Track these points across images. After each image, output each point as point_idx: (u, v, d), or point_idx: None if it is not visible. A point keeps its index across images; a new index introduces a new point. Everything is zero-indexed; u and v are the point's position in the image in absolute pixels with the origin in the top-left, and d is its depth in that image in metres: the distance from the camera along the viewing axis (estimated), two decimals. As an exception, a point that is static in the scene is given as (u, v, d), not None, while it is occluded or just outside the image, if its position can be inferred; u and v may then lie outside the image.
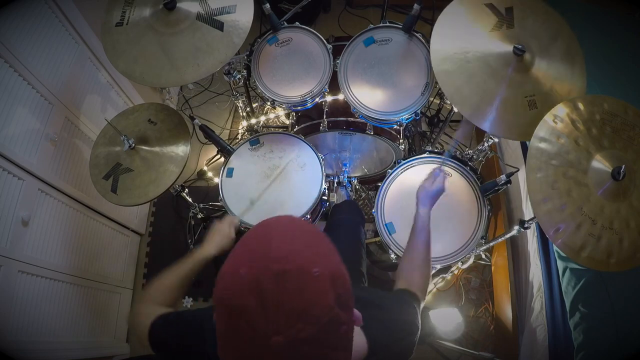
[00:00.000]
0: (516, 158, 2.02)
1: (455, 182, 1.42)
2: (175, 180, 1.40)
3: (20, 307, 1.40)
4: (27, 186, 1.45)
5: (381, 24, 1.54)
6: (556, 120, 1.15)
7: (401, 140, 1.68)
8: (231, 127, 2.59)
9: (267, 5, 1.51)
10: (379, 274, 2.03)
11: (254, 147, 1.54)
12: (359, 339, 0.69)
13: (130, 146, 1.39)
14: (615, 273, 1.08)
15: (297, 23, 1.61)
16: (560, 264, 1.56)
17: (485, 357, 1.88)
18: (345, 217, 1.56)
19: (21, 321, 1.40)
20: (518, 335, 1.82)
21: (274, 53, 1.58)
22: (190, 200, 1.95)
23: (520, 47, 1.21)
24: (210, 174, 2.41)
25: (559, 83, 1.25)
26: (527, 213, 1.84)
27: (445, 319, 1.97)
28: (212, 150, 2.48)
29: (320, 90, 1.51)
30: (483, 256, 2.09)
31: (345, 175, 1.98)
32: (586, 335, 1.41)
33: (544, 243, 1.71)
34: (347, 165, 1.99)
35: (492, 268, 2.11)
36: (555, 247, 1.62)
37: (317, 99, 1.55)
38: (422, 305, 0.92)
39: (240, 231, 1.28)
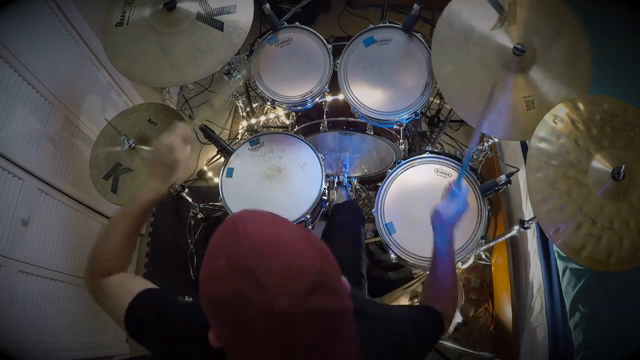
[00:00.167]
0: (516, 158, 2.02)
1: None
2: (175, 181, 1.40)
3: (20, 307, 1.40)
4: (27, 186, 1.45)
5: (381, 24, 1.54)
6: (556, 120, 1.15)
7: (401, 140, 1.68)
8: (231, 127, 2.59)
9: (267, 5, 1.51)
10: (379, 274, 2.03)
11: (254, 147, 1.54)
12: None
13: (130, 146, 1.39)
14: (615, 273, 1.08)
15: (297, 23, 1.61)
16: (560, 264, 1.56)
17: (485, 357, 1.88)
18: (346, 217, 1.57)
19: (21, 321, 1.39)
20: (518, 335, 1.82)
21: (274, 53, 1.58)
22: (190, 200, 1.95)
23: (520, 46, 1.21)
24: (210, 174, 2.41)
25: (559, 83, 1.25)
26: (527, 213, 1.84)
27: (445, 319, 1.97)
28: (212, 150, 2.48)
29: (320, 90, 1.51)
30: (483, 256, 2.09)
31: (345, 175, 1.98)
32: (586, 335, 1.41)
33: (544, 243, 1.71)
34: (347, 165, 1.99)
35: (492, 268, 2.10)
36: (555, 247, 1.62)
37: (317, 99, 1.55)
38: (447, 326, 0.89)
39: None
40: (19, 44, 1.42)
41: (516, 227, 1.34)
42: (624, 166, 1.04)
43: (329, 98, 1.62)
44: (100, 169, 1.43)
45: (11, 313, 1.35)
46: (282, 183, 1.46)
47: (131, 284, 0.84)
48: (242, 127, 2.46)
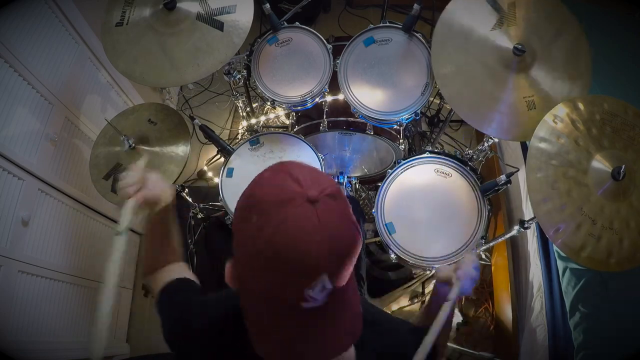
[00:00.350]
0: (516, 158, 2.02)
1: (455, 182, 1.42)
2: (175, 180, 1.40)
3: (20, 307, 1.40)
4: (27, 186, 1.45)
5: (381, 24, 1.54)
6: (556, 120, 1.15)
7: (401, 140, 1.68)
8: (231, 127, 2.59)
9: (267, 5, 1.51)
10: (379, 274, 2.03)
11: (254, 147, 1.54)
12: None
13: (130, 146, 1.39)
14: (615, 273, 1.08)
15: (297, 23, 1.61)
16: (560, 264, 1.56)
17: (485, 357, 1.88)
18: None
19: (21, 321, 1.39)
20: (518, 335, 1.82)
21: (274, 53, 1.58)
22: (190, 200, 1.95)
23: (520, 47, 1.21)
24: (210, 174, 2.41)
25: (559, 83, 1.25)
26: (527, 213, 1.84)
27: (445, 319, 1.97)
28: (212, 150, 2.48)
29: (320, 90, 1.51)
30: (483, 256, 2.09)
31: (345, 175, 1.98)
32: (586, 335, 1.41)
33: (544, 243, 1.71)
34: (347, 165, 1.99)
35: (492, 268, 2.10)
36: (555, 247, 1.62)
37: (317, 99, 1.55)
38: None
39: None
40: (19, 44, 1.41)
41: (516, 227, 1.34)
42: (624, 166, 1.05)
43: (329, 98, 1.62)
44: (100, 169, 1.43)
45: (11, 313, 1.35)
46: (282, 183, 1.46)
47: (167, 274, 0.86)
48: (242, 127, 2.46)
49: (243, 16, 1.34)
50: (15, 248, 1.39)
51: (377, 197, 1.43)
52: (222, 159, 1.57)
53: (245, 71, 1.64)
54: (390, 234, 1.37)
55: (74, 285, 1.68)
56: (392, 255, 1.40)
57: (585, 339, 1.40)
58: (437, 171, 1.44)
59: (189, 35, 1.32)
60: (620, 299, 1.39)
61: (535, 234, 1.78)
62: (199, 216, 2.16)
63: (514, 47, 1.22)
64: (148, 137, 1.44)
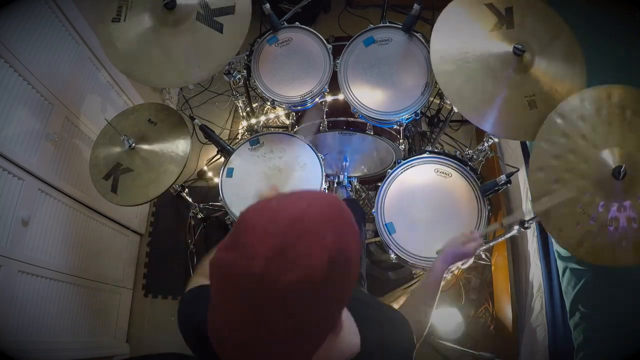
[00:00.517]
0: (516, 158, 2.02)
1: (455, 182, 1.42)
2: (175, 180, 1.40)
3: (20, 307, 1.40)
4: (27, 186, 1.45)
5: (381, 24, 1.54)
6: (558, 119, 1.15)
7: (401, 140, 1.68)
8: (231, 127, 2.59)
9: (267, 5, 1.51)
10: (379, 274, 2.03)
11: (254, 147, 1.54)
12: (353, 338, 0.68)
13: (130, 146, 1.39)
14: (615, 273, 1.08)
15: (297, 23, 1.61)
16: (560, 264, 1.56)
17: (485, 357, 1.88)
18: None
19: (21, 321, 1.40)
20: (518, 335, 1.82)
21: (274, 53, 1.58)
22: (190, 200, 1.96)
23: (520, 47, 1.21)
24: (210, 174, 2.41)
25: (559, 82, 1.25)
26: (527, 213, 1.84)
27: (445, 319, 1.97)
28: (212, 150, 2.48)
29: (320, 90, 1.51)
30: (483, 256, 2.09)
31: (345, 175, 1.98)
32: (586, 335, 1.41)
33: (544, 243, 1.71)
34: (347, 165, 1.99)
35: (492, 268, 2.11)
36: (555, 247, 1.62)
37: (317, 99, 1.55)
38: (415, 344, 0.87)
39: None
40: (19, 44, 1.42)
41: (516, 227, 1.34)
42: (624, 165, 1.05)
43: (329, 98, 1.62)
44: (100, 169, 1.43)
45: (11, 313, 1.35)
46: (282, 183, 1.46)
47: (194, 282, 0.86)
48: (242, 127, 2.46)
49: (242, 17, 1.34)
50: (15, 248, 1.39)
51: (377, 197, 1.43)
52: (222, 159, 1.57)
53: (245, 71, 1.64)
54: (390, 234, 1.37)
55: (74, 285, 1.68)
56: (392, 255, 1.40)
57: (585, 339, 1.41)
58: (437, 171, 1.44)
59: (189, 36, 1.32)
60: (620, 299, 1.39)
61: (535, 233, 1.78)
62: (199, 216, 2.16)
63: (514, 47, 1.22)
64: (148, 137, 1.44)
